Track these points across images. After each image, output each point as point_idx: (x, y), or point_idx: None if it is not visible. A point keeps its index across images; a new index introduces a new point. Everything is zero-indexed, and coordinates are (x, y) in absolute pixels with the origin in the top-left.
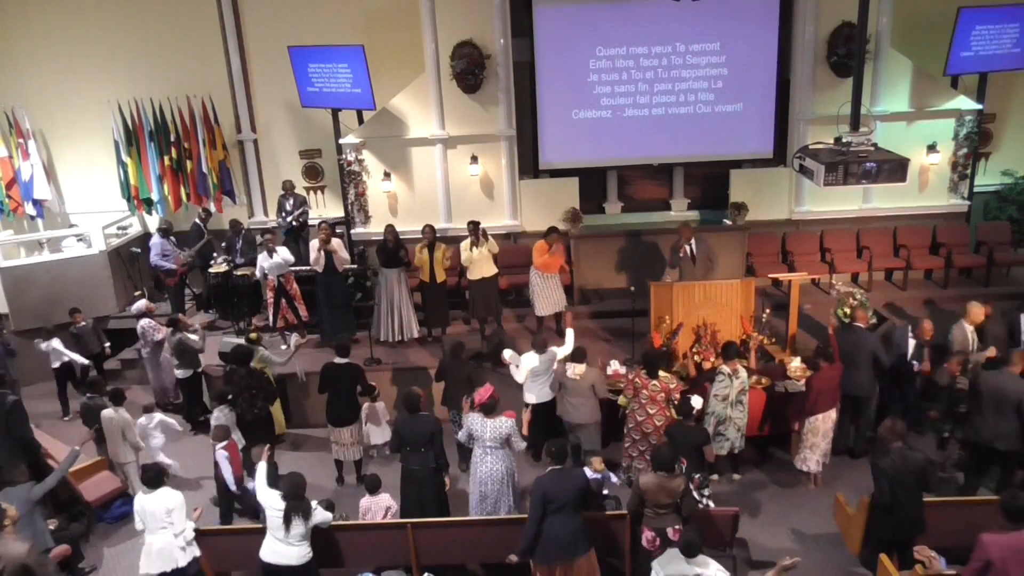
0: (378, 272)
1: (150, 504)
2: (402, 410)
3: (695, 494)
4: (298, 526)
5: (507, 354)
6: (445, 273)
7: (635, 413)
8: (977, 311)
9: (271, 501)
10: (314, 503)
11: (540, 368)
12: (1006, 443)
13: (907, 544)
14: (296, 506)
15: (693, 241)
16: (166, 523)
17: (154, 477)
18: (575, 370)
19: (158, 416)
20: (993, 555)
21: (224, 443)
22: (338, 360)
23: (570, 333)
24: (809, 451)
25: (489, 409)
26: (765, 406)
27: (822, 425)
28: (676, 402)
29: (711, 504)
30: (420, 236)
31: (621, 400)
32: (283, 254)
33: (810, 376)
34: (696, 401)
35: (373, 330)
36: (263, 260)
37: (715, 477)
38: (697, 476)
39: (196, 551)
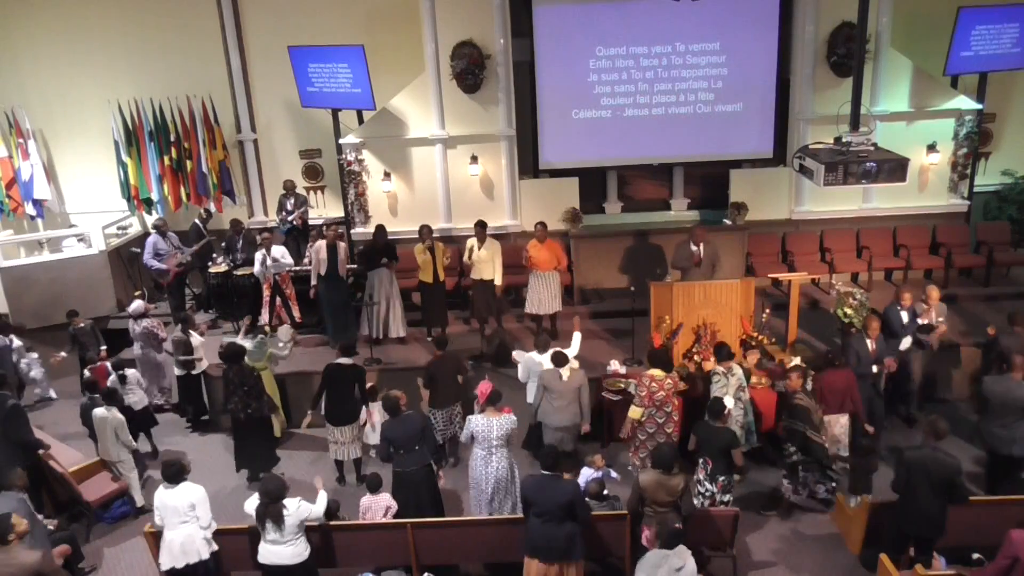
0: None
1: (171, 499)
2: (384, 415)
3: (716, 496)
4: (272, 530)
5: (516, 354)
6: (444, 273)
7: (654, 418)
8: (908, 296)
9: (252, 504)
10: (297, 499)
11: (535, 368)
12: (1020, 448)
13: (926, 544)
14: (262, 511)
15: (703, 244)
16: (188, 517)
17: (176, 472)
18: (566, 371)
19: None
20: (1020, 552)
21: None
22: (342, 360)
23: (576, 336)
24: (833, 448)
25: (495, 400)
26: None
27: (831, 429)
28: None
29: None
30: (420, 236)
31: (635, 413)
32: (279, 254)
33: (814, 376)
34: (728, 401)
35: (361, 328)
36: (261, 259)
37: (737, 477)
38: (721, 479)
39: (215, 546)
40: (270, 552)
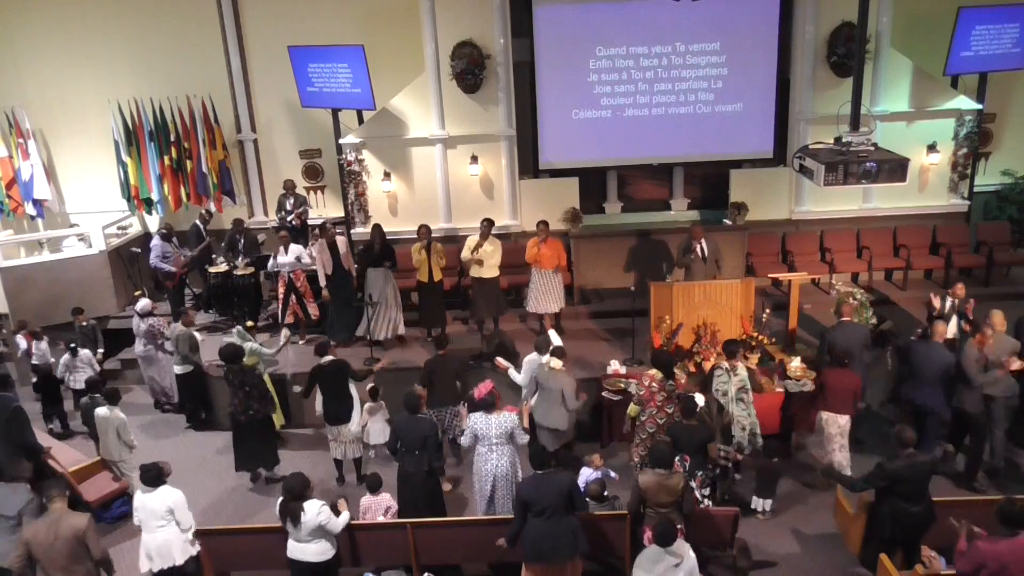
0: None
1: (150, 502)
2: (402, 409)
3: (696, 493)
4: (291, 528)
5: (501, 362)
6: (442, 272)
7: (654, 418)
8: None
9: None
10: (319, 503)
11: (531, 369)
12: (934, 406)
13: (914, 544)
14: (283, 507)
15: (703, 240)
16: (165, 521)
17: (154, 477)
18: (549, 363)
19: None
20: (990, 563)
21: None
22: (323, 361)
23: (552, 334)
24: (839, 452)
25: (488, 405)
26: (783, 406)
27: (827, 428)
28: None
29: (710, 503)
30: (418, 236)
31: (632, 411)
32: (296, 251)
33: (818, 374)
34: (698, 398)
35: (360, 330)
36: (280, 256)
37: (739, 477)
38: (700, 474)
39: (195, 549)
40: (296, 548)
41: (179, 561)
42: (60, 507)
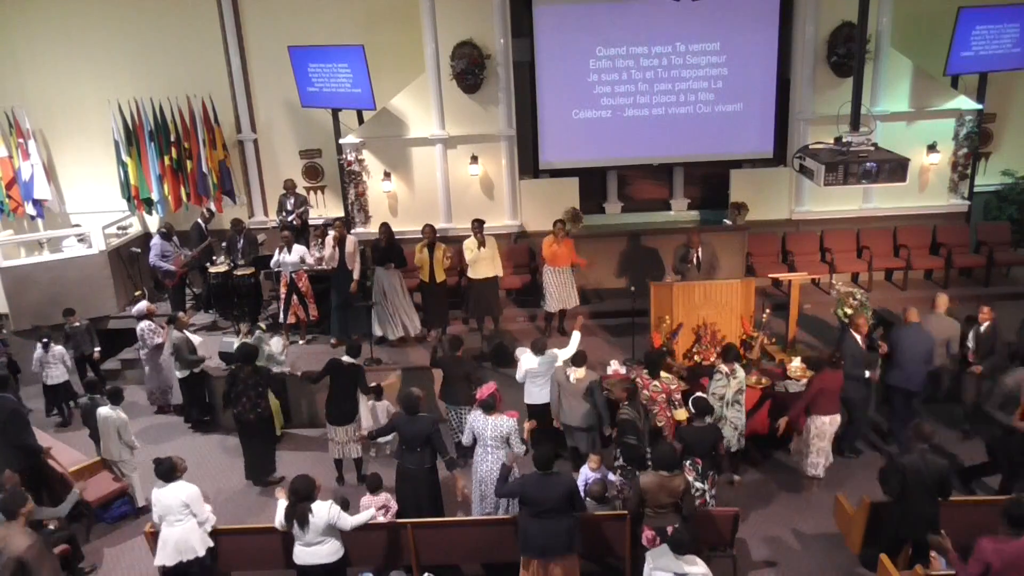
0: (373, 271)
1: (165, 497)
2: (400, 410)
3: (706, 495)
4: (298, 531)
5: (519, 352)
6: (445, 273)
7: None
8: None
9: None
10: (329, 503)
11: (538, 370)
12: (918, 387)
13: (920, 544)
14: (291, 511)
15: (700, 249)
16: (183, 515)
17: (167, 471)
18: (575, 374)
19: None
20: (993, 561)
21: None
22: (345, 359)
23: (575, 336)
24: (815, 455)
25: (488, 407)
26: (756, 404)
27: (829, 428)
28: (677, 403)
29: (714, 503)
30: (420, 236)
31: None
32: (299, 251)
33: (811, 376)
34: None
35: (372, 329)
36: (284, 256)
37: (737, 478)
38: (712, 474)
39: (210, 541)
40: (305, 553)
41: (200, 552)
42: (12, 524)
